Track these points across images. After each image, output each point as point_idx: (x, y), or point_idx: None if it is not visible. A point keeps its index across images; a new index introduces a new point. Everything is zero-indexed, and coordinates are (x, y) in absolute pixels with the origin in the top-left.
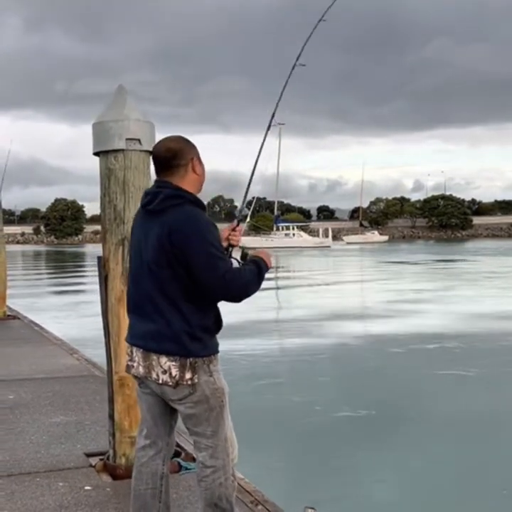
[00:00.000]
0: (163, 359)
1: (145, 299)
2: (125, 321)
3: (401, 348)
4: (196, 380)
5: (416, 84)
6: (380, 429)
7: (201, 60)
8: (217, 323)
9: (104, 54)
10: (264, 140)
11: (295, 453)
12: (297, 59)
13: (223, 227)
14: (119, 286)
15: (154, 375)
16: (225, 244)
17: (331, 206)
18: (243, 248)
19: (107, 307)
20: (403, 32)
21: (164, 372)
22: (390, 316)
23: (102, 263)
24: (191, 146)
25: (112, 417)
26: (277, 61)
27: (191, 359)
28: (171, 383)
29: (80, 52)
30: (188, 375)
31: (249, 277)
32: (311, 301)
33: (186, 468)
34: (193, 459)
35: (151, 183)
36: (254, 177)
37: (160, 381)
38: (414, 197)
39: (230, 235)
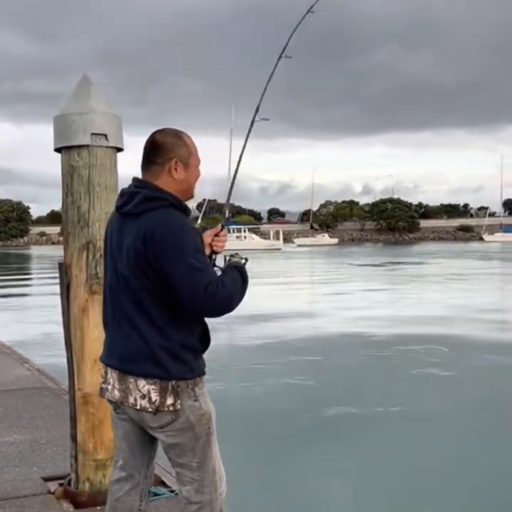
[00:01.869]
0: (142, 382)
1: (121, 314)
2: (90, 333)
3: (354, 347)
4: (179, 406)
5: (364, 90)
6: (339, 433)
7: (152, 61)
8: (204, 340)
9: (53, 53)
10: (247, 137)
11: (258, 464)
12: (283, 51)
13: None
14: (82, 295)
15: (131, 400)
16: (207, 251)
17: (282, 209)
18: (229, 256)
19: (69, 318)
20: (352, 38)
21: (143, 396)
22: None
23: (64, 269)
24: (179, 145)
25: (74, 437)
26: (228, 63)
27: (173, 382)
28: (150, 409)
29: (27, 51)
30: (169, 401)
31: (233, 288)
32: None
33: (155, 494)
34: (162, 483)
35: (120, 182)
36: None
37: (138, 407)
38: (364, 200)
39: (213, 240)
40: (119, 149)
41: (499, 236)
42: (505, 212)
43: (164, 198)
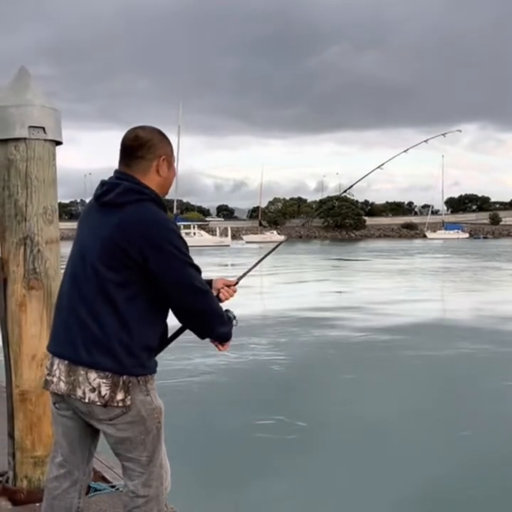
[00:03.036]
0: (93, 375)
1: (80, 303)
2: (28, 329)
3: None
4: (129, 402)
5: (315, 88)
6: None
7: (100, 56)
8: (162, 342)
9: None
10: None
11: (212, 466)
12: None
13: None
14: (20, 291)
15: (80, 393)
16: (213, 293)
17: (232, 206)
18: (227, 311)
19: (6, 314)
20: (303, 37)
21: (92, 390)
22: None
23: (0, 265)
24: (165, 143)
25: (11, 435)
26: (177, 60)
27: (125, 377)
28: (98, 403)
29: None
30: (119, 396)
31: (217, 304)
32: None
33: (96, 490)
34: (103, 479)
35: (59, 176)
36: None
37: (86, 400)
38: (317, 198)
39: (223, 288)
40: (58, 143)
41: (441, 233)
42: (447, 210)
43: (145, 192)
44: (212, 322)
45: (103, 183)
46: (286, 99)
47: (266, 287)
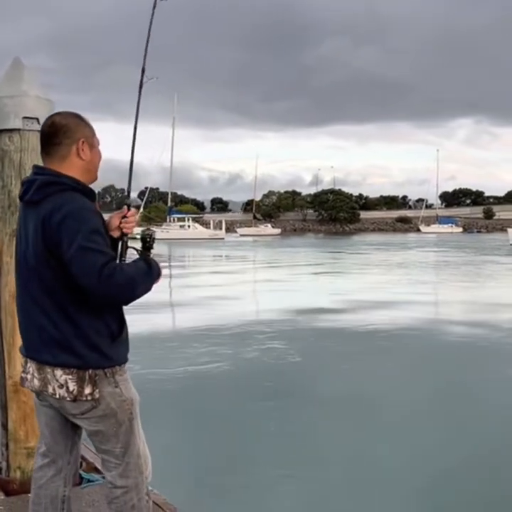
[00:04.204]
0: (59, 372)
1: (32, 304)
2: None
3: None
4: (97, 395)
5: (311, 82)
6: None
7: (97, 48)
8: (121, 326)
9: None
10: (138, 104)
11: (197, 448)
12: None
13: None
14: (13, 282)
15: (50, 390)
16: (117, 233)
17: (227, 198)
18: (143, 235)
19: None
20: (300, 30)
21: (61, 386)
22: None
23: None
24: (84, 126)
25: (4, 426)
26: (173, 52)
27: (90, 371)
28: (68, 398)
29: None
30: (87, 390)
31: (135, 274)
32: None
33: (88, 481)
34: (96, 470)
35: None
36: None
37: (57, 396)
38: (312, 191)
39: (121, 222)
40: None
41: (435, 227)
42: (441, 204)
43: (63, 182)
44: (136, 293)
45: (23, 183)
46: (282, 92)
47: (268, 281)
